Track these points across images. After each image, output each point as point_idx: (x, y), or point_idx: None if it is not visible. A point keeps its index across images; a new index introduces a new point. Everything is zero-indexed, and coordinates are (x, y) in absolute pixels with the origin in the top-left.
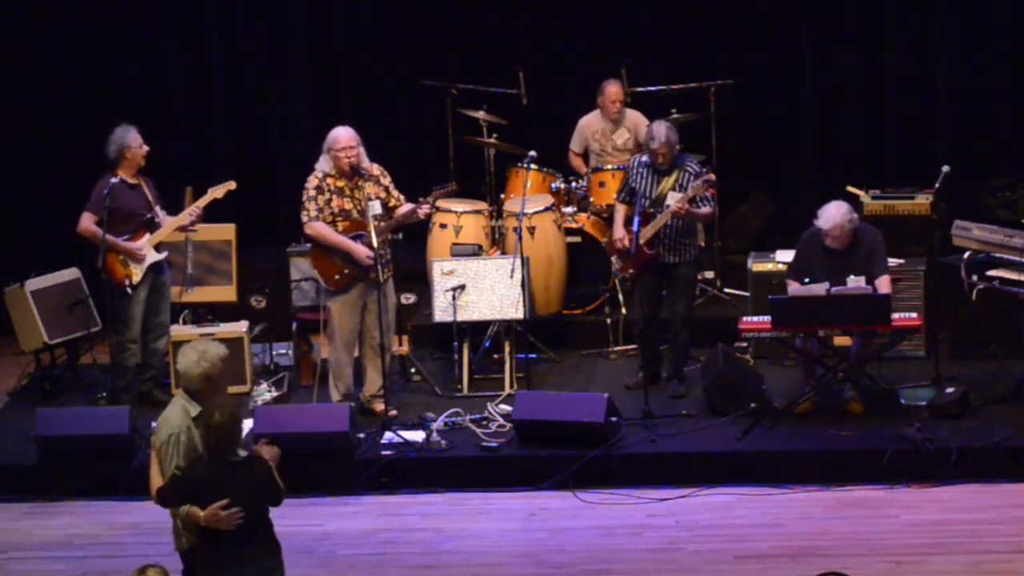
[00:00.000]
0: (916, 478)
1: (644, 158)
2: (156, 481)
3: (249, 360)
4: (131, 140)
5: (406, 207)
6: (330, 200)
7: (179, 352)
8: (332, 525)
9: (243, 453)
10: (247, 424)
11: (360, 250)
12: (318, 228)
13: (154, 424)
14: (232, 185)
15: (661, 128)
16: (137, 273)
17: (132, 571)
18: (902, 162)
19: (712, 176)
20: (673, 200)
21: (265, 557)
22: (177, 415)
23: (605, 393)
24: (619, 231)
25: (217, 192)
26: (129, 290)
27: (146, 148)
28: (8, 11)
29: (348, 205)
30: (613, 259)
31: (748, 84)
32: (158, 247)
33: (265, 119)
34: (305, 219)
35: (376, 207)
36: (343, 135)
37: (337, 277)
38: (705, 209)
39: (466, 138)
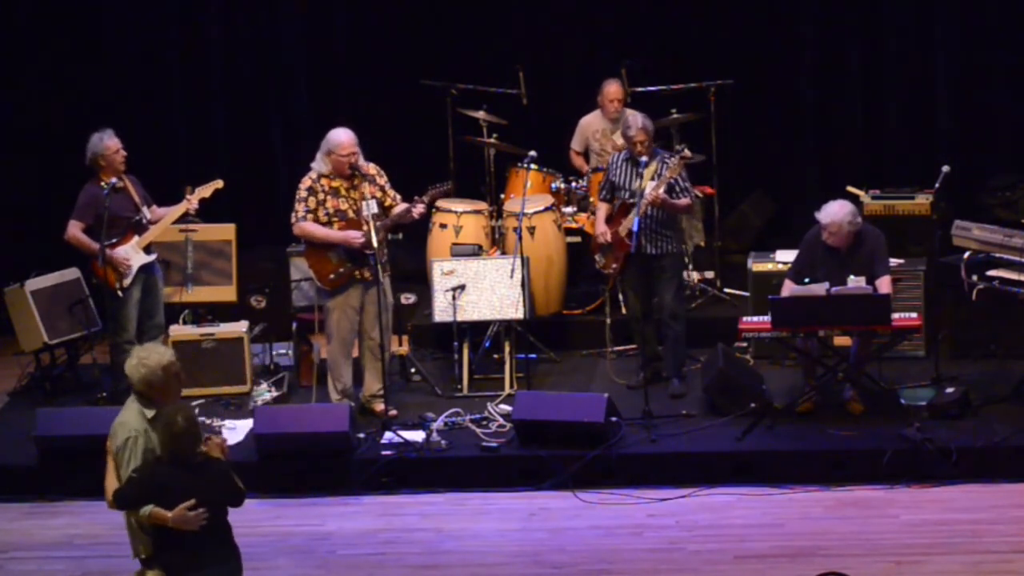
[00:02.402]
0: (916, 478)
1: (624, 153)
2: (112, 484)
3: (249, 360)
4: (104, 147)
5: (401, 207)
6: (324, 201)
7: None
8: (332, 525)
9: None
10: (247, 424)
11: (347, 235)
12: (305, 227)
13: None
14: (219, 184)
15: (637, 117)
16: (127, 277)
17: (131, 572)
18: (902, 162)
19: (688, 153)
20: (650, 189)
21: (227, 560)
22: (134, 418)
23: (605, 393)
24: (600, 227)
25: (204, 191)
26: (120, 293)
27: (123, 153)
28: (8, 12)
29: (343, 205)
30: (596, 257)
31: (748, 84)
32: (148, 248)
33: (265, 119)
34: (293, 219)
35: (372, 206)
36: (345, 139)
37: (332, 276)
38: (684, 200)
39: (466, 138)
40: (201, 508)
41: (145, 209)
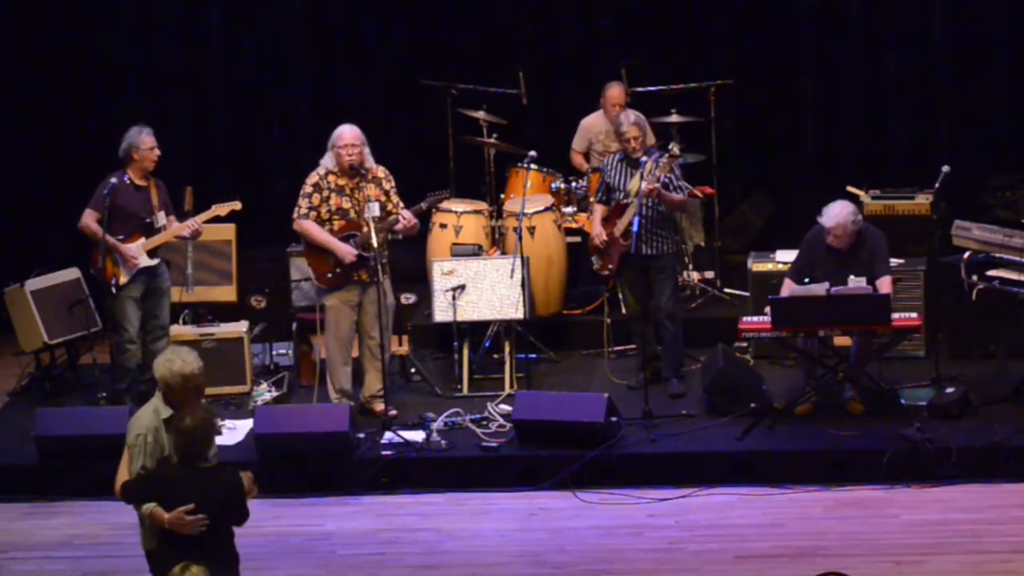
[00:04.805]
0: (916, 478)
1: (619, 154)
2: (122, 476)
3: (249, 360)
4: (141, 142)
5: (394, 217)
6: (328, 197)
7: None
8: (332, 525)
9: (214, 461)
10: (247, 424)
11: (342, 248)
12: (305, 226)
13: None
14: (237, 205)
15: (629, 115)
16: (124, 274)
17: (131, 572)
18: (902, 162)
19: (676, 151)
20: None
21: (222, 569)
22: (147, 416)
23: (605, 393)
24: (596, 228)
25: (221, 210)
26: (114, 289)
27: (157, 152)
28: (9, 13)
29: (346, 204)
30: (592, 258)
31: (748, 84)
32: (153, 253)
33: (265, 119)
34: (295, 215)
35: (375, 209)
36: (347, 132)
37: (329, 275)
38: (678, 196)
39: (466, 138)
40: (201, 513)
41: (161, 214)
